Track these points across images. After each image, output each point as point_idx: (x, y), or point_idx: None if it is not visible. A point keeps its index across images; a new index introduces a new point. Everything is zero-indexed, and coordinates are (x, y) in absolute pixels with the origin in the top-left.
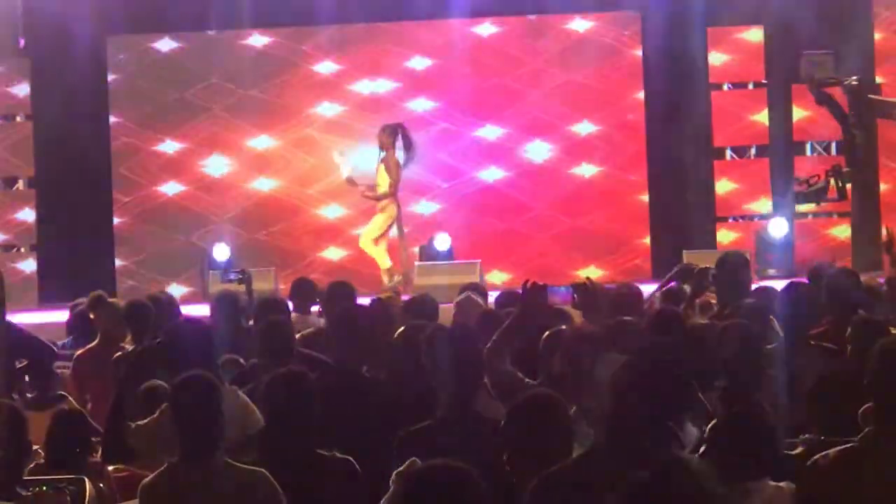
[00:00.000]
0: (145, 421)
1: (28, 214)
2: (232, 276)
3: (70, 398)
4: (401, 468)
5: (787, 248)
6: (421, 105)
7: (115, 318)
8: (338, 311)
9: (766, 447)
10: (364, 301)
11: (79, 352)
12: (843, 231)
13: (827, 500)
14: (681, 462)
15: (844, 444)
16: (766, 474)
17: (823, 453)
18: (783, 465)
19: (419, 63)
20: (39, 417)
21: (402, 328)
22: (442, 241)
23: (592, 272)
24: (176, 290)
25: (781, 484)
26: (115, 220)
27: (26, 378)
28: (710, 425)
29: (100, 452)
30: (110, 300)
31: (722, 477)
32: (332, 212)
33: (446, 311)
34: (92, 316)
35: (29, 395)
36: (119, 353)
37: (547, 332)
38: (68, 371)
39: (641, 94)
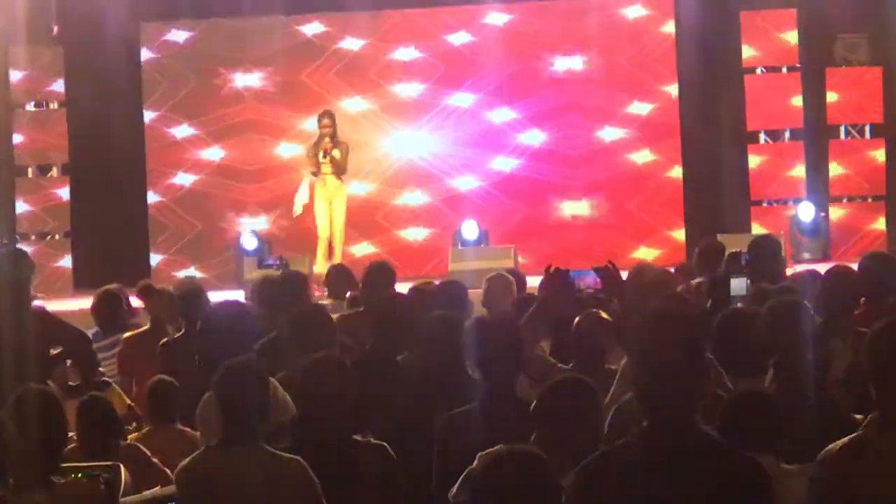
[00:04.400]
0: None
1: (62, 201)
2: (270, 263)
3: (114, 385)
4: (485, 451)
5: (820, 232)
6: (453, 91)
7: (165, 305)
8: (377, 300)
9: (769, 427)
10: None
11: (127, 334)
12: (878, 214)
13: (838, 490)
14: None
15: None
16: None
17: (832, 444)
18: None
19: (449, 45)
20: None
21: (435, 315)
22: (469, 229)
23: (625, 257)
24: (209, 276)
25: None
26: (149, 207)
27: (67, 363)
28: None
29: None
30: (159, 287)
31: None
32: (360, 188)
33: (478, 296)
34: (142, 303)
35: (71, 384)
36: (165, 338)
37: (578, 318)
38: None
39: (674, 78)
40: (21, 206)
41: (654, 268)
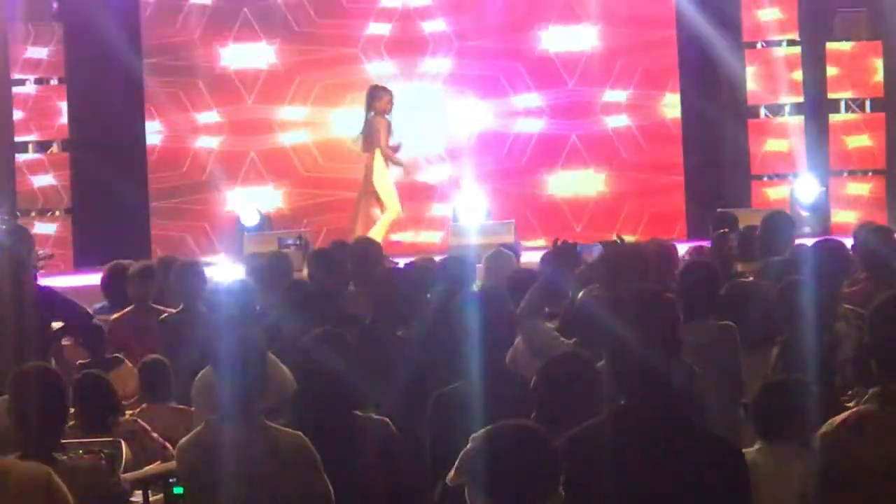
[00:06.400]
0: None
1: (62, 177)
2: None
3: (126, 361)
4: (478, 433)
5: (820, 207)
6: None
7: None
8: (379, 274)
9: (803, 414)
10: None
11: (115, 315)
12: (879, 188)
13: (838, 464)
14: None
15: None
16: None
17: (834, 418)
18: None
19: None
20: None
21: (435, 291)
22: (468, 205)
23: (627, 231)
24: (211, 252)
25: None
26: (150, 183)
27: (63, 342)
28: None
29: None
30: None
31: (763, 440)
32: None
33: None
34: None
35: (80, 361)
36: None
37: (582, 292)
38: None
39: (675, 52)
40: (21, 183)
41: (626, 244)
